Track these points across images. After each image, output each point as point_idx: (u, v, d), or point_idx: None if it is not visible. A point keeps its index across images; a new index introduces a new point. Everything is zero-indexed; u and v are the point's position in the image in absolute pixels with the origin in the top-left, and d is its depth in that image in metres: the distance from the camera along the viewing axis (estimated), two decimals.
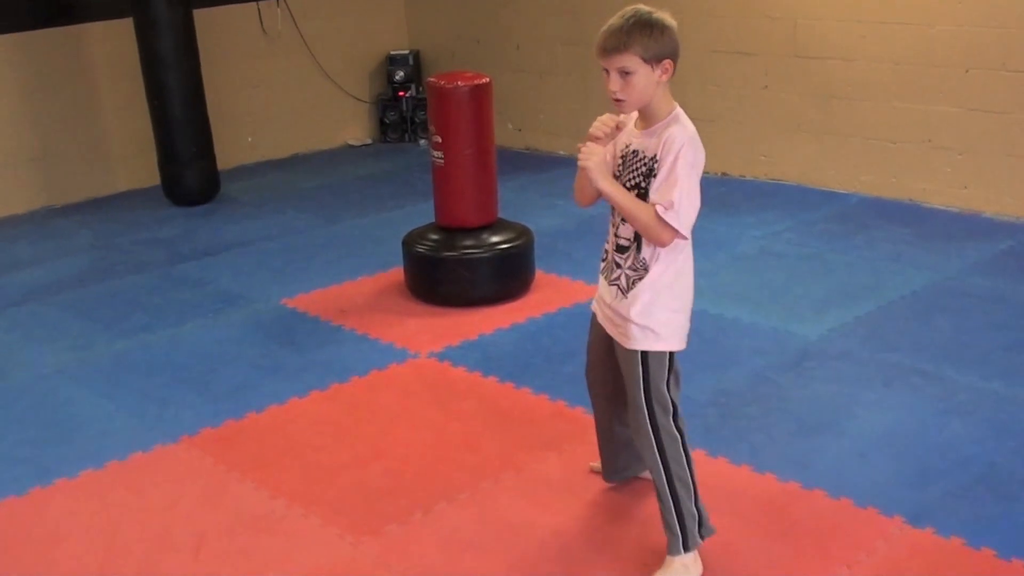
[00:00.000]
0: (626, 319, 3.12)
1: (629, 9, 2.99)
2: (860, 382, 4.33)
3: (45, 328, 5.53)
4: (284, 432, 4.24)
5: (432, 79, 5.41)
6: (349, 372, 4.73)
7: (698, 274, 5.45)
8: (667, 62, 2.95)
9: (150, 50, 7.27)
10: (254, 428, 4.29)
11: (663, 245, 3.01)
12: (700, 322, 4.91)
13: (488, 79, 5.37)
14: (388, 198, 7.56)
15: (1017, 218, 6.15)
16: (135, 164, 8.03)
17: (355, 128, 9.35)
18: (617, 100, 3.00)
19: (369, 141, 9.41)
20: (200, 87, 7.49)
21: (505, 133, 8.35)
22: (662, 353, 3.12)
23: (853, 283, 5.39)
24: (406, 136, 9.19)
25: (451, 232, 5.49)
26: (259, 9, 8.57)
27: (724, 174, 7.44)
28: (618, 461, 3.62)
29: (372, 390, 4.58)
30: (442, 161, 5.38)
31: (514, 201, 6.67)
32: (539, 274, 5.63)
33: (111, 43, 7.76)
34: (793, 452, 3.83)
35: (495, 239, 5.45)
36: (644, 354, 3.11)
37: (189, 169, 7.56)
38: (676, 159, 2.93)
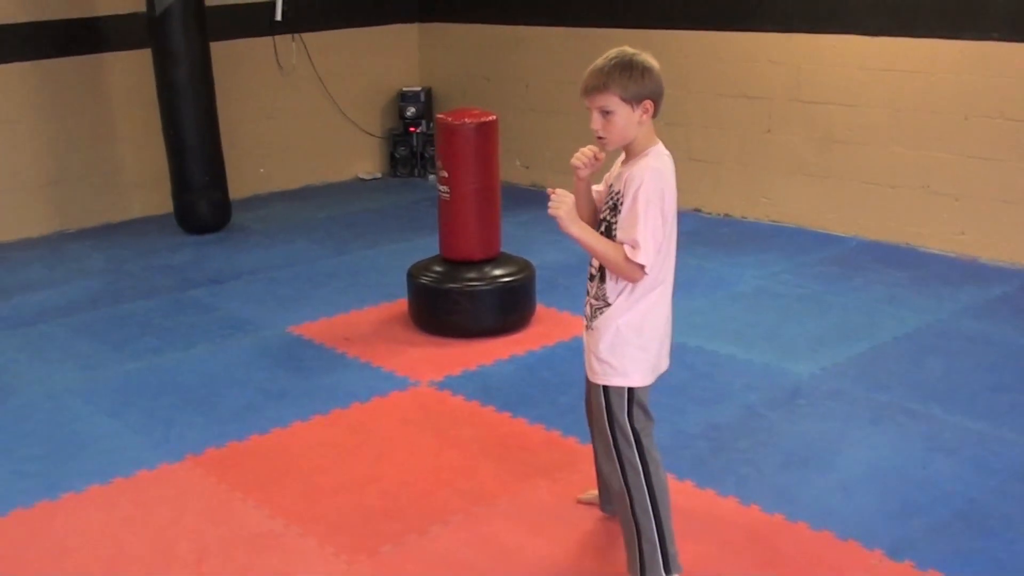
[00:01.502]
0: (590, 351, 3.23)
1: (614, 51, 3.12)
2: (849, 419, 4.44)
3: (56, 348, 5.65)
4: (286, 454, 4.35)
5: (441, 116, 5.55)
6: (351, 398, 4.85)
7: (694, 311, 5.67)
8: (647, 102, 3.08)
9: (166, 80, 7.44)
10: (257, 449, 4.40)
11: (635, 282, 3.12)
12: (695, 358, 5.09)
13: (494, 117, 5.51)
14: (396, 231, 7.69)
15: (1012, 264, 6.27)
16: (149, 191, 8.18)
17: (366, 162, 9.51)
18: (599, 138, 3.14)
19: (379, 175, 9.57)
20: (214, 118, 7.65)
21: (513, 170, 8.49)
22: (621, 388, 3.21)
23: (848, 323, 5.50)
24: (415, 171, 9.34)
25: (455, 265, 5.61)
26: (275, 44, 8.74)
27: (726, 215, 7.57)
28: (612, 492, 3.72)
29: (372, 416, 4.69)
30: (448, 195, 5.51)
31: (518, 236, 6.78)
32: (540, 308, 5.75)
33: (129, 73, 7.93)
34: (779, 485, 3.93)
35: (497, 272, 5.58)
36: (605, 387, 3.21)
37: (201, 198, 7.71)
38: (636, 195, 3.05)
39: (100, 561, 3.60)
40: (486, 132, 5.46)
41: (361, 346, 5.48)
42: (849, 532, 3.59)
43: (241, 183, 8.55)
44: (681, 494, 3.84)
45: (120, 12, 7.82)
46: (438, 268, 5.64)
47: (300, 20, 8.78)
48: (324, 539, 3.68)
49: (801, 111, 7.05)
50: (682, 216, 7.26)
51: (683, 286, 6.06)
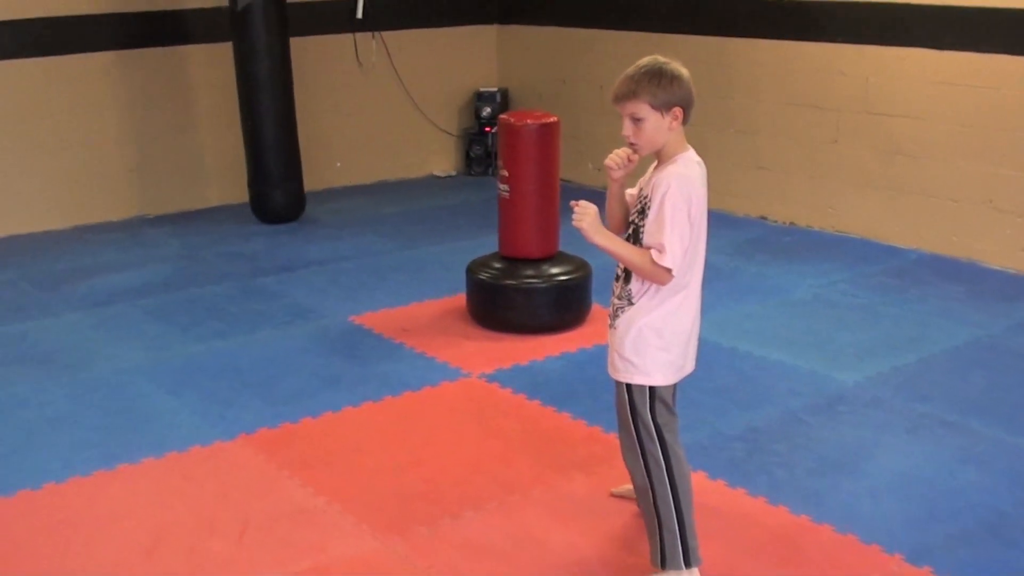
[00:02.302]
0: (613, 349, 3.33)
1: (646, 59, 3.23)
2: (886, 428, 4.48)
3: (127, 328, 5.89)
4: (334, 437, 4.51)
5: (504, 116, 5.67)
6: (403, 386, 4.99)
7: (748, 317, 5.75)
8: (676, 109, 3.17)
9: (247, 74, 7.66)
10: (307, 431, 4.56)
11: (663, 284, 3.21)
12: (743, 362, 5.17)
13: (556, 119, 5.63)
14: (464, 228, 7.84)
15: None
16: (227, 181, 8.42)
17: (441, 160, 9.68)
18: (630, 143, 3.24)
19: (454, 173, 9.73)
20: (292, 111, 7.85)
21: (585, 172, 8.59)
22: (643, 386, 3.30)
23: (898, 334, 5.53)
24: (489, 170, 9.48)
25: (513, 262, 5.74)
26: (355, 41, 8.94)
27: (792, 223, 7.60)
28: (636, 486, 3.81)
29: (422, 404, 4.83)
30: (508, 194, 5.64)
31: (579, 236, 6.86)
32: (595, 307, 5.84)
33: (211, 65, 8.18)
34: (809, 488, 3.99)
35: (554, 271, 5.69)
36: (628, 385, 3.31)
37: (277, 189, 7.92)
38: (663, 200, 3.14)
39: (145, 529, 3.78)
40: (547, 133, 5.57)
41: (418, 337, 5.62)
42: (872, 536, 3.65)
43: (318, 176, 8.76)
44: (712, 492, 3.94)
45: (204, 6, 8.08)
46: (497, 265, 5.77)
47: (381, 18, 8.97)
48: (362, 517, 3.83)
49: (868, 123, 7.06)
50: (747, 223, 7.43)
51: (739, 292, 6.22)
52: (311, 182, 8.44)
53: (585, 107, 8.72)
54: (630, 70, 3.23)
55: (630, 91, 3.18)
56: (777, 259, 6.84)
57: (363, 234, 7.74)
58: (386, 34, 9.06)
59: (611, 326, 3.37)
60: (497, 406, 4.80)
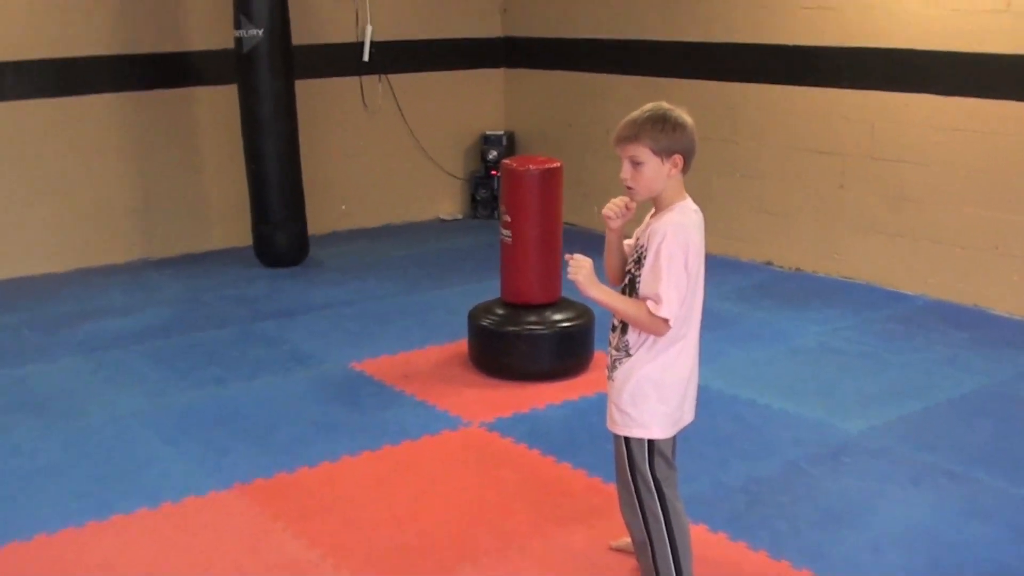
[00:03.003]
0: (611, 401, 3.28)
1: (651, 104, 3.20)
2: (890, 479, 4.41)
3: (127, 373, 5.85)
4: (331, 487, 4.45)
5: (507, 161, 5.65)
6: (402, 435, 4.94)
7: (751, 364, 5.68)
8: (677, 156, 3.14)
9: (251, 116, 7.65)
10: (304, 482, 4.50)
11: (660, 335, 3.16)
12: (745, 410, 5.11)
13: (559, 164, 5.59)
14: (470, 272, 7.79)
15: None
16: (230, 224, 8.40)
17: (447, 203, 9.66)
18: (628, 187, 3.20)
19: (460, 216, 9.71)
20: (296, 153, 7.84)
21: (590, 215, 8.57)
22: (642, 439, 3.25)
23: (904, 382, 5.47)
24: (495, 213, 9.45)
25: (515, 308, 5.69)
26: (361, 84, 8.94)
27: (797, 269, 7.55)
28: (634, 541, 3.75)
29: (420, 454, 4.77)
30: (510, 239, 5.60)
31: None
32: (598, 354, 5.79)
33: (216, 107, 8.18)
34: (811, 542, 3.93)
35: (557, 317, 5.64)
36: (626, 438, 3.26)
37: (280, 231, 7.90)
38: (659, 249, 3.10)
39: None
40: (550, 178, 5.54)
41: (419, 384, 5.57)
42: None
43: (323, 219, 8.75)
44: (712, 546, 3.87)
45: (210, 48, 8.07)
46: (499, 311, 5.72)
47: (387, 61, 8.98)
48: (356, 572, 3.77)
49: (874, 168, 7.03)
50: (752, 268, 7.39)
51: (744, 338, 6.16)
52: (316, 225, 8.43)
53: (591, 151, 8.71)
54: (634, 114, 3.21)
55: (632, 134, 3.16)
56: (782, 305, 6.79)
57: (366, 278, 7.70)
58: (392, 77, 9.07)
59: (609, 378, 3.32)
60: (497, 456, 4.74)
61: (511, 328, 5.60)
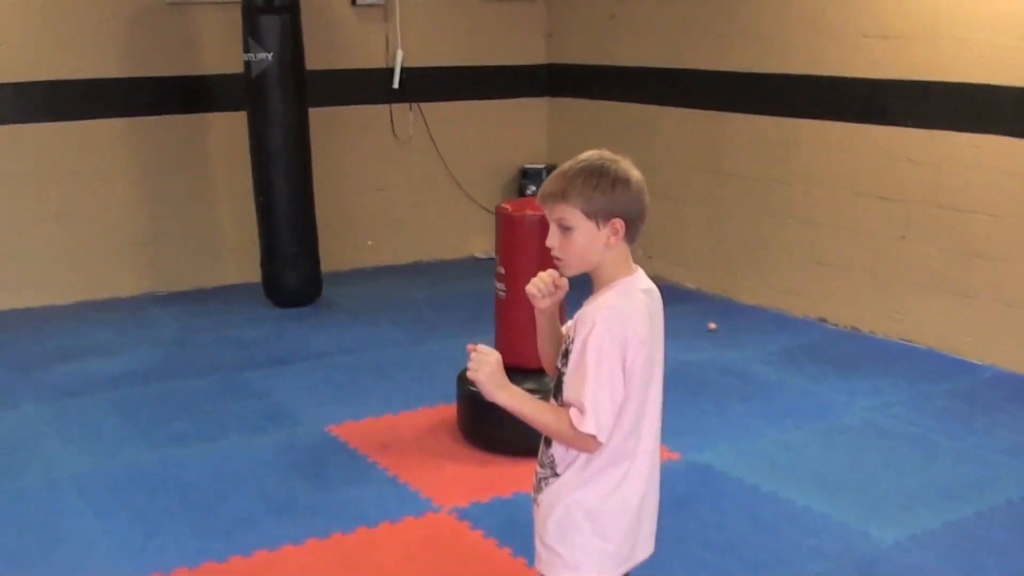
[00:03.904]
0: (536, 532, 2.59)
1: (589, 152, 2.51)
2: None
3: (84, 426, 5.33)
4: None
5: (502, 205, 5.00)
6: (358, 520, 4.27)
7: (782, 447, 4.94)
8: (617, 221, 2.45)
9: (260, 143, 7.10)
10: (232, 573, 3.87)
11: (590, 453, 2.47)
12: (764, 507, 4.35)
13: None
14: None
15: None
16: (245, 258, 7.79)
17: (482, 240, 8.97)
18: (556, 259, 2.51)
19: (495, 255, 9.01)
20: (308, 186, 7.25)
21: (635, 258, 7.86)
22: None
23: (956, 478, 4.65)
24: None
25: (510, 372, 4.97)
26: (391, 112, 8.33)
27: (854, 328, 6.74)
28: None
29: (373, 545, 4.10)
30: (504, 294, 4.94)
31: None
32: None
33: (230, 134, 7.59)
34: None
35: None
36: None
37: (289, 268, 7.31)
38: (586, 342, 2.42)
39: None
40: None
41: (395, 456, 4.91)
42: None
43: (346, 255, 8.18)
44: None
45: (224, 72, 7.50)
46: None
47: (419, 89, 8.36)
48: None
49: (939, 217, 6.21)
50: (804, 325, 6.64)
51: (779, 413, 5.38)
52: (339, 262, 7.86)
53: None
54: (566, 164, 2.52)
55: (559, 190, 2.48)
56: (829, 371, 5.99)
57: (378, 322, 7.07)
58: (425, 105, 8.44)
59: (534, 501, 2.62)
60: (459, 554, 4.05)
61: None
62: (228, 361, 6.28)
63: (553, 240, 2.50)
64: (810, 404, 5.53)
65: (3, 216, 7.21)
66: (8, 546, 4.09)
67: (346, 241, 8.19)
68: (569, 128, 8.91)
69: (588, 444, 2.42)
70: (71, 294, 7.50)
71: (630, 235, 2.48)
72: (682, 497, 4.42)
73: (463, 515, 4.32)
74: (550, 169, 8.63)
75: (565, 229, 2.47)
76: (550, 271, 2.60)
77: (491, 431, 4.91)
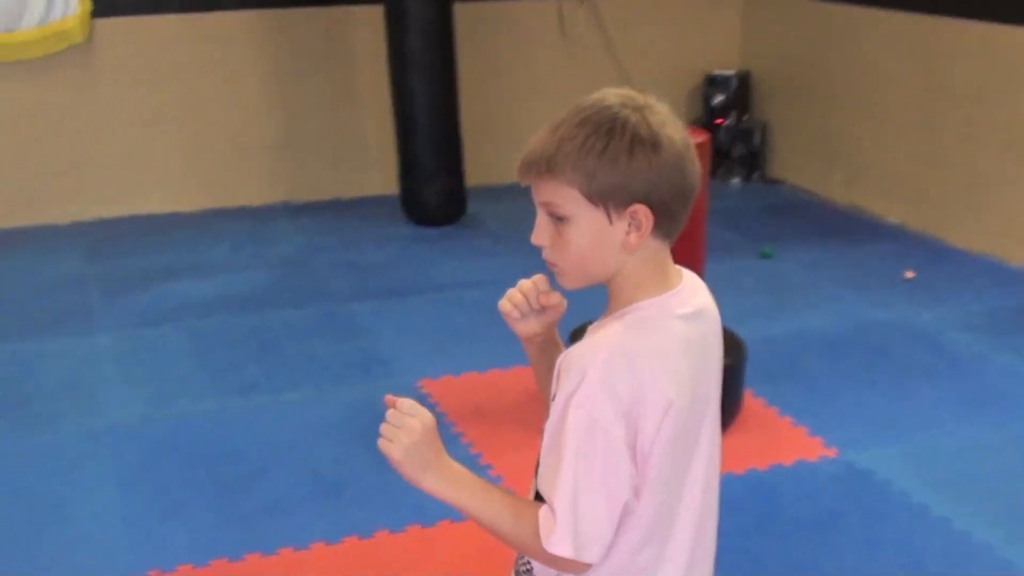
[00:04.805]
0: None
1: (601, 94, 1.57)
2: None
3: (149, 365, 4.75)
4: None
5: None
6: (415, 515, 3.45)
7: (967, 449, 4.13)
8: (639, 209, 1.51)
9: (397, 46, 6.27)
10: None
11: (577, 574, 1.56)
12: (929, 538, 3.33)
13: (705, 139, 3.93)
14: None
15: None
16: (389, 168, 6.97)
17: None
18: (549, 264, 1.58)
19: None
20: (451, 94, 6.39)
21: (830, 185, 6.76)
22: None
23: None
24: (716, 171, 7.72)
25: None
26: (560, 8, 7.36)
27: None
28: None
29: (423, 548, 3.33)
30: None
31: (791, 285, 5.29)
32: (754, 402, 4.14)
33: (374, 30, 6.71)
34: None
35: None
36: None
37: (428, 185, 6.50)
38: (566, 409, 1.50)
39: None
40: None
41: (487, 427, 4.08)
42: None
43: (503, 168, 7.29)
44: None
45: None
46: None
47: None
48: None
49: None
50: (1022, 279, 5.35)
51: (971, 400, 4.22)
52: (494, 175, 6.96)
53: (840, 103, 6.82)
54: (560, 115, 1.57)
55: (543, 157, 1.54)
56: None
57: (519, 250, 6.19)
58: (600, 0, 7.43)
59: None
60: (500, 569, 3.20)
61: None
62: (338, 289, 5.56)
63: (541, 236, 1.59)
64: (1017, 391, 4.38)
65: (125, 115, 6.67)
66: (9, 516, 3.54)
67: (507, 153, 7.31)
68: (765, 30, 7.74)
69: (569, 565, 1.52)
70: (198, 201, 6.94)
71: (664, 230, 1.54)
72: (826, 514, 3.47)
73: None
74: (742, 77, 7.63)
75: (557, 219, 1.54)
76: (536, 278, 1.69)
77: None
